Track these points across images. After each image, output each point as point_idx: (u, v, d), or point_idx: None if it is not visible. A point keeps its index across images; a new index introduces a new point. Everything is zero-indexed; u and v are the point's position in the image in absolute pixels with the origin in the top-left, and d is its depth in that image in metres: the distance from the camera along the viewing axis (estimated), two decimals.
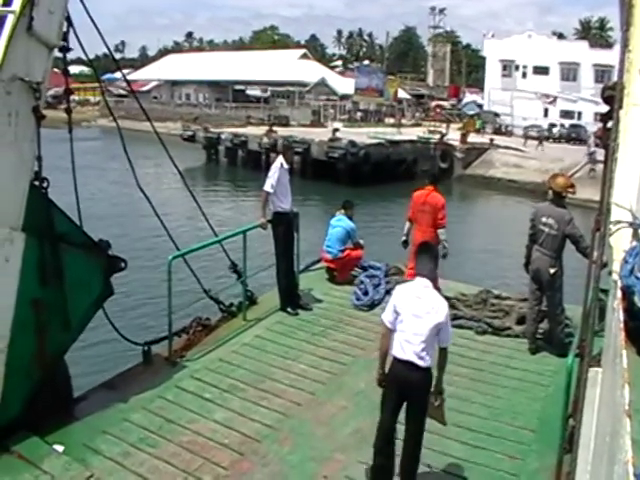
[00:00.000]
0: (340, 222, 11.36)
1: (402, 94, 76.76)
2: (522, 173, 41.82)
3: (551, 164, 40.75)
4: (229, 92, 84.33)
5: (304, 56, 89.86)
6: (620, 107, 5.07)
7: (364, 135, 45.34)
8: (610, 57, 64.61)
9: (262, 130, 47.16)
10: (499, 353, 8.75)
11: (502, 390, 7.67)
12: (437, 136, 48.56)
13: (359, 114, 66.89)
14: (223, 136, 48.49)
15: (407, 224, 10.59)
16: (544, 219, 8.47)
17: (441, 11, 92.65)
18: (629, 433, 2.45)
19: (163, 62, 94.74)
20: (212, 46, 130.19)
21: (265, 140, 44.20)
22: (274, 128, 46.85)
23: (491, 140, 50.09)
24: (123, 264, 7.30)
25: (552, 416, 6.30)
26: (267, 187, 9.60)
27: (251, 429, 6.65)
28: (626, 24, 5.04)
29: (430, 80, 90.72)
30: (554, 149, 49.94)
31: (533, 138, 55.17)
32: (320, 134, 44.72)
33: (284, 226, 9.86)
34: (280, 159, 9.84)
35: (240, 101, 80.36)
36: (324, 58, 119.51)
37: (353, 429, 6.72)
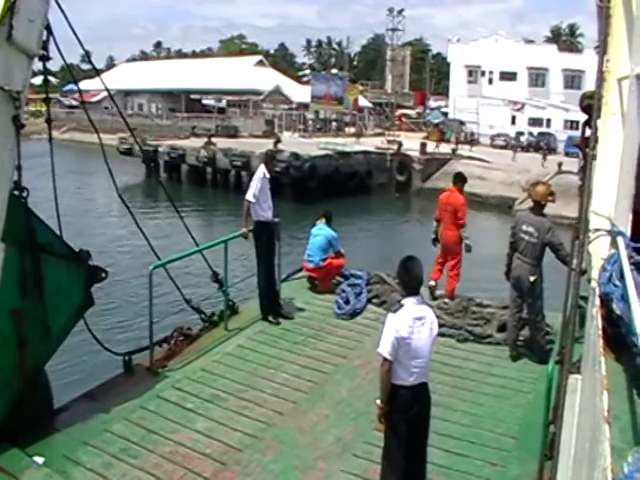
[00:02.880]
0: (321, 231, 11.37)
1: (364, 102, 73.80)
2: (485, 186, 38.23)
3: (517, 175, 39.06)
4: (182, 101, 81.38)
5: (260, 63, 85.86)
6: (598, 116, 5.14)
7: (316, 146, 42.75)
8: (580, 62, 63.31)
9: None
10: (480, 361, 8.79)
11: (484, 397, 7.70)
12: (395, 146, 45.70)
13: (319, 124, 63.46)
14: (160, 149, 44.04)
15: (434, 223, 11.25)
16: (524, 227, 8.56)
17: (399, 12, 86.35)
18: (608, 439, 2.47)
19: (116, 71, 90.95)
20: (180, 56, 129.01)
21: (203, 153, 41.38)
22: (213, 140, 43.73)
23: (453, 150, 47.29)
24: (104, 274, 7.27)
25: (533, 423, 6.34)
26: (249, 196, 9.62)
27: (233, 439, 6.63)
28: (604, 33, 5.12)
29: (388, 86, 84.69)
30: (521, 158, 47.23)
31: (501, 147, 52.85)
32: (269, 145, 38.45)
33: (266, 235, 9.87)
34: (262, 168, 9.87)
35: (196, 111, 77.68)
36: (293, 67, 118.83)
37: (336, 437, 6.72)
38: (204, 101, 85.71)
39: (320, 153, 39.96)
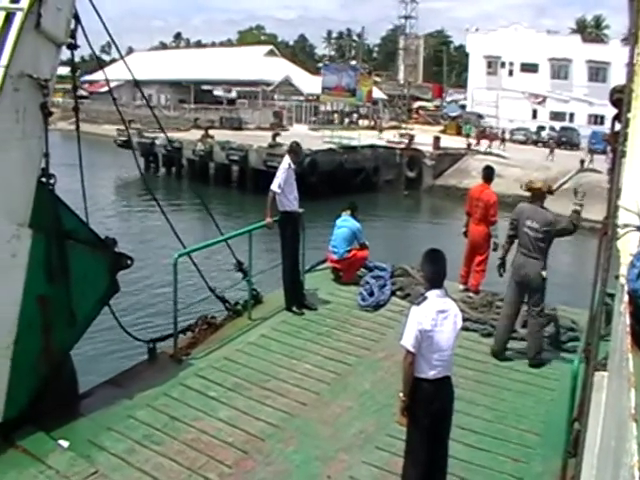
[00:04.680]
0: (346, 222, 11.34)
1: (378, 94, 69.37)
2: (501, 184, 33.46)
3: (535, 173, 35.84)
4: (191, 93, 78.30)
5: (270, 53, 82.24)
6: (628, 110, 5.05)
7: (327, 139, 40.91)
8: (606, 53, 60.51)
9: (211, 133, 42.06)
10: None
11: (507, 393, 7.65)
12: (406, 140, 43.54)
13: (335, 116, 61.43)
14: (158, 142, 41.07)
15: (465, 217, 11.34)
16: (528, 222, 8.35)
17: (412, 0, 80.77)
18: (635, 437, 2.43)
19: (126, 61, 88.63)
20: (191, 46, 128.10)
21: (199, 147, 39.46)
22: (210, 133, 41.79)
23: (468, 145, 44.94)
24: (129, 261, 7.32)
25: (557, 420, 6.28)
26: (274, 187, 9.62)
27: (255, 428, 6.65)
28: (635, 24, 5.02)
29: (401, 76, 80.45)
30: (541, 154, 44.80)
31: (521, 142, 49.36)
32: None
33: (291, 225, 9.87)
34: (287, 159, 9.86)
35: (207, 102, 74.07)
36: (312, 59, 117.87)
37: (358, 429, 6.71)
38: (215, 92, 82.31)
39: (323, 147, 38.00)
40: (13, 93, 5.81)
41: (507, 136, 54.50)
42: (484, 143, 47.20)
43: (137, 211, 29.20)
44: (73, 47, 6.83)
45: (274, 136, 38.08)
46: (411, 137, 44.24)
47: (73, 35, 6.70)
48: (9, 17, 5.86)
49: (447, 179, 40.22)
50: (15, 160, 5.97)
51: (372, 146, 41.05)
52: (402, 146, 42.41)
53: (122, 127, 40.89)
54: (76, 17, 6.67)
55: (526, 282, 8.38)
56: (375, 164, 39.64)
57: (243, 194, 35.29)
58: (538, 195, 8.52)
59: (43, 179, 6.37)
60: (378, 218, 29.61)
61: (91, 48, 7.46)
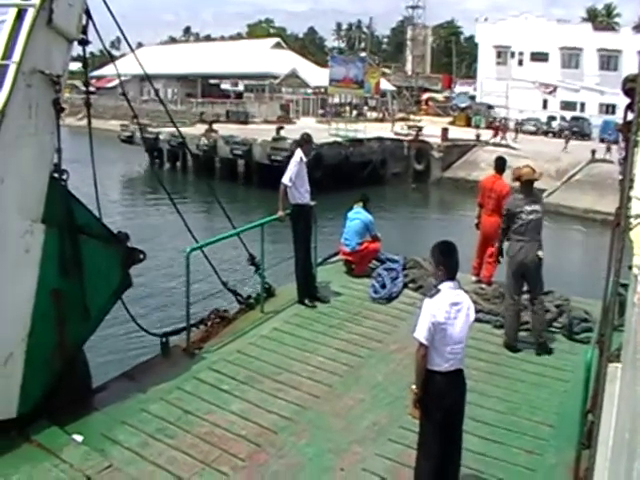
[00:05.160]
0: (358, 215, 11.33)
1: (386, 85, 68.38)
2: (509, 176, 33.42)
3: (546, 164, 34.54)
4: (198, 86, 77.25)
5: (277, 45, 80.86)
6: None
7: (333, 132, 39.60)
8: (617, 41, 59.28)
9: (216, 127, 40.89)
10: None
11: (520, 384, 7.63)
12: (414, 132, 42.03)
13: (347, 108, 59.34)
14: (161, 137, 39.66)
15: (477, 209, 11.38)
16: (529, 207, 8.54)
17: None
18: None
19: (130, 56, 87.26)
20: (199, 40, 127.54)
21: (203, 141, 37.97)
22: (214, 127, 40.65)
23: (477, 136, 43.23)
24: (142, 256, 7.34)
25: (571, 411, 6.27)
26: (285, 180, 9.62)
27: (268, 421, 6.67)
28: None
29: (408, 67, 78.88)
30: (552, 145, 42.84)
31: (531, 133, 47.46)
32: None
33: (303, 218, 9.87)
34: (299, 152, 9.86)
35: (215, 96, 73.16)
36: (322, 51, 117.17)
37: (370, 422, 6.72)
38: (222, 86, 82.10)
39: (328, 140, 36.49)
40: (26, 89, 5.84)
41: (512, 126, 52.55)
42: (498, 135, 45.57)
43: (144, 206, 29.26)
44: (85, 43, 6.85)
45: (278, 130, 37.04)
46: (419, 129, 43.09)
47: (84, 31, 6.73)
48: (21, 13, 5.88)
49: (456, 171, 39.26)
50: (28, 156, 6.00)
51: (379, 138, 39.87)
52: (410, 138, 41.33)
53: (125, 122, 41.02)
54: (87, 13, 6.69)
55: (525, 266, 8.50)
56: (382, 157, 38.56)
57: (248, 189, 34.71)
58: (528, 182, 8.70)
59: (55, 174, 6.41)
60: (386, 212, 28.59)
61: (102, 44, 7.51)
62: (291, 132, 34.75)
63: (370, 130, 41.65)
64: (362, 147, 37.86)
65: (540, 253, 8.49)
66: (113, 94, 63.31)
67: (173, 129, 37.41)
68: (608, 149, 37.17)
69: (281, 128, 37.39)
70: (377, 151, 38.59)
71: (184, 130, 38.05)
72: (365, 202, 11.57)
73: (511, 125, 52.31)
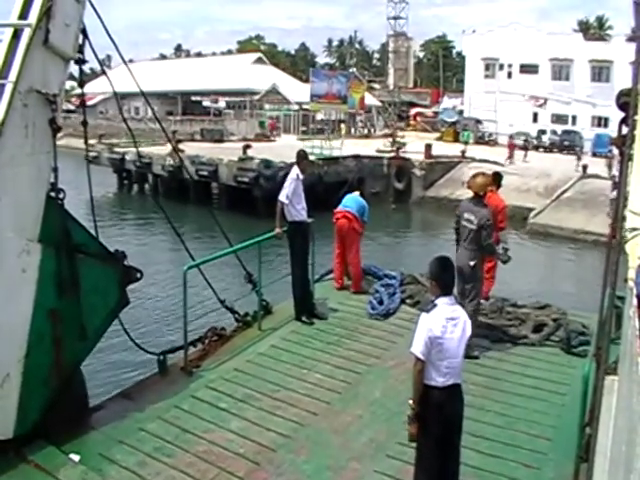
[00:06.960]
0: (356, 198, 11.62)
1: (372, 101, 67.77)
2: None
3: (535, 181, 34.63)
4: (178, 104, 75.73)
5: (259, 60, 78.84)
6: (635, 113, 5.06)
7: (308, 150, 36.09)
8: (608, 51, 57.38)
9: (190, 146, 38.05)
10: (515, 362, 8.71)
11: (518, 398, 7.63)
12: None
13: (335, 124, 56.70)
14: (127, 157, 37.86)
15: None
16: (466, 215, 8.79)
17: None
18: None
19: (113, 73, 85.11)
20: (193, 57, 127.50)
21: (169, 161, 34.68)
22: (180, 146, 34.56)
23: (462, 152, 41.20)
24: (139, 274, 7.34)
25: (568, 425, 6.27)
26: (282, 197, 9.66)
27: (266, 438, 6.64)
28: None
29: (390, 81, 74.02)
30: (542, 160, 42.10)
31: (521, 148, 44.33)
32: (248, 151, 34.73)
33: (300, 235, 9.89)
34: (296, 169, 9.90)
35: (197, 114, 71.18)
36: (313, 67, 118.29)
37: (369, 438, 6.70)
38: (204, 103, 79.46)
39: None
40: (22, 109, 5.87)
41: (502, 141, 51.11)
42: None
43: (130, 227, 28.60)
44: (81, 62, 6.90)
45: (244, 149, 35.02)
46: (399, 145, 41.76)
47: (81, 50, 6.77)
48: (17, 33, 5.93)
49: (439, 190, 37.27)
50: (25, 175, 6.02)
51: (356, 156, 37.71)
52: (389, 155, 39.58)
53: (92, 142, 36.22)
54: (84, 32, 6.73)
55: (460, 272, 8.51)
56: (359, 175, 35.64)
57: (217, 212, 33.28)
58: (475, 194, 8.87)
59: (52, 194, 6.42)
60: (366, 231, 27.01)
61: (99, 63, 7.55)
62: (272, 150, 34.13)
63: (355, 147, 40.46)
64: (338, 166, 35.85)
65: (471, 263, 8.63)
66: (92, 112, 62.00)
67: (150, 148, 36.48)
68: (609, 166, 34.26)
69: (248, 147, 35.59)
70: (354, 170, 36.25)
71: (156, 150, 36.21)
72: (361, 193, 11.95)
73: (504, 140, 50.81)
